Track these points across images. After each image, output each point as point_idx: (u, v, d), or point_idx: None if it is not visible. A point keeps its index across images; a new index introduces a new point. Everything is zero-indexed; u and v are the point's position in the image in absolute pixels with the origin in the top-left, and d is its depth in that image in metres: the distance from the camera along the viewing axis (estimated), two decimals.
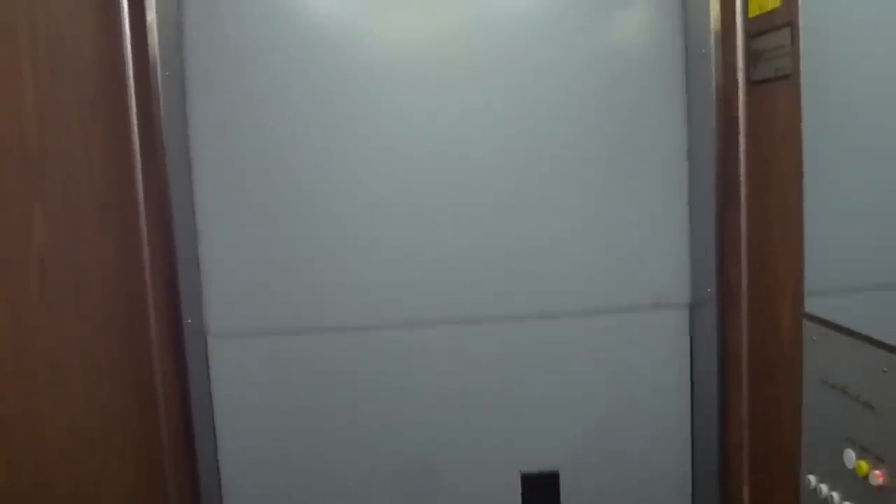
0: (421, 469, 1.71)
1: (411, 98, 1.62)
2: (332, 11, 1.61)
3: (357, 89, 1.61)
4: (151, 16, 1.48)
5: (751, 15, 1.44)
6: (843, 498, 1.17)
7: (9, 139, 1.10)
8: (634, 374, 1.72)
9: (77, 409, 1.25)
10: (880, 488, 1.07)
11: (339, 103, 1.61)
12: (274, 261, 1.64)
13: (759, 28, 1.41)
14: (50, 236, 1.18)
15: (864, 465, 1.11)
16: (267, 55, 1.60)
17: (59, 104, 1.25)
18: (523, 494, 1.73)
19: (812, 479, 1.25)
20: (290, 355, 1.67)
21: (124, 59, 1.45)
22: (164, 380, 1.53)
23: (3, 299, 1.08)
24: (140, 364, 1.49)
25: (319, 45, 1.60)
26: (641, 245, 1.69)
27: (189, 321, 1.59)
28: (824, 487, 1.21)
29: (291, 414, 1.68)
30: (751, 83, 1.47)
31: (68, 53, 1.29)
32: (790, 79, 1.31)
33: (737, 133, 1.50)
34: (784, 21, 1.32)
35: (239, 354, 1.66)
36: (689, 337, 1.71)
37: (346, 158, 1.62)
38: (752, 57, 1.45)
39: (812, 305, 1.28)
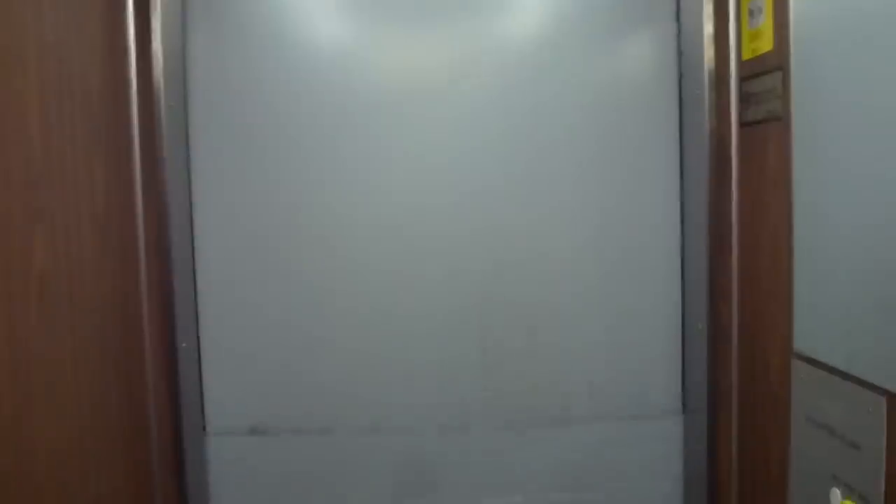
0: None
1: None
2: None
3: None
4: (157, 44, 1.51)
5: (744, 58, 1.48)
6: None
7: (13, 161, 1.12)
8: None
9: (70, 430, 1.26)
10: None
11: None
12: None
13: (751, 71, 1.45)
14: (50, 258, 1.20)
15: None
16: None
17: (63, 129, 1.27)
18: None
19: None
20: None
21: (129, 86, 1.47)
22: (156, 402, 1.54)
23: (2, 319, 1.09)
24: (134, 387, 1.49)
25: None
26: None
27: (184, 345, 1.59)
28: None
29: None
30: (743, 125, 1.50)
31: (75, 80, 1.31)
32: (781, 121, 1.34)
33: (729, 173, 1.52)
34: (776, 65, 1.36)
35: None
36: (679, 374, 1.72)
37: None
38: (745, 99, 1.48)
39: (801, 344, 1.30)
